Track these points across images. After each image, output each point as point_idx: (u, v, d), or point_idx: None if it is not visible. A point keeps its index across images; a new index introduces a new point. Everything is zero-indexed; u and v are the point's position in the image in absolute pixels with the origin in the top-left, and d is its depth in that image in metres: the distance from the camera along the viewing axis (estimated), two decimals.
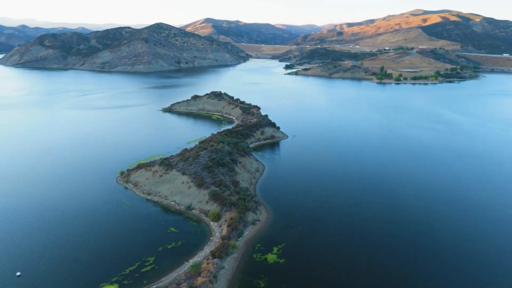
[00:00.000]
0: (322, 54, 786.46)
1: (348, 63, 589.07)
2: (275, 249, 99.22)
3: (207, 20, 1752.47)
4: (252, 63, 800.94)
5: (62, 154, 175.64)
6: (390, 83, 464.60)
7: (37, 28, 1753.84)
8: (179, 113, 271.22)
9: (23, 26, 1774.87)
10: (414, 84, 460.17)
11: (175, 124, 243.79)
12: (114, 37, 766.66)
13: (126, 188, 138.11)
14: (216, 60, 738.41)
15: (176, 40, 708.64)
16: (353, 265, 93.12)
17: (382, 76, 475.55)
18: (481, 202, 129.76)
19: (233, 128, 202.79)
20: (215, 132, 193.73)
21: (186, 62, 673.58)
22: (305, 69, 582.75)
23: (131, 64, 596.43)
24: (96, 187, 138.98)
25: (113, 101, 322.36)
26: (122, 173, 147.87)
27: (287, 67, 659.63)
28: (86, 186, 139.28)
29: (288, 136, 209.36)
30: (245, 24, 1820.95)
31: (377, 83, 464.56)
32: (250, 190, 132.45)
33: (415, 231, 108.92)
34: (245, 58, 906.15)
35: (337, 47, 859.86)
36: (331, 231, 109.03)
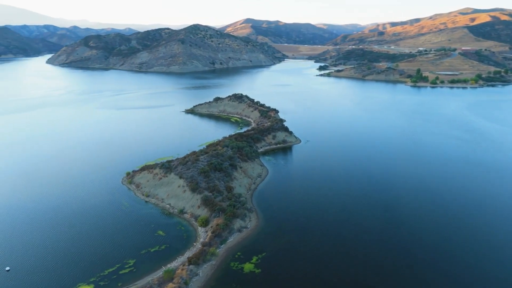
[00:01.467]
0: (359, 55, 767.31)
1: (382, 65, 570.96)
2: (254, 259, 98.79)
3: (247, 21, 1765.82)
4: (286, 64, 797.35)
5: (78, 153, 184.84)
6: (425, 86, 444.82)
7: (87, 29, 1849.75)
8: (201, 115, 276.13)
9: (75, 27, 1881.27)
10: (451, 88, 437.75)
11: (193, 125, 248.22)
12: (154, 38, 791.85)
13: (129, 189, 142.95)
14: (251, 61, 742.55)
15: (212, 41, 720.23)
16: (331, 281, 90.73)
17: (417, 79, 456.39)
18: (498, 224, 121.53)
19: (245, 131, 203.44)
20: (227, 135, 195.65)
21: (221, 63, 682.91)
22: (338, 71, 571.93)
23: (167, 64, 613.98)
24: (101, 187, 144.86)
25: (141, 101, 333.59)
26: (128, 174, 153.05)
27: (320, 68, 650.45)
28: (92, 186, 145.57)
29: (301, 141, 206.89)
30: (285, 24, 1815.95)
31: (411, 86, 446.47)
32: (245, 196, 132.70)
33: (409, 251, 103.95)
34: (281, 58, 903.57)
35: (375, 47, 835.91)
36: (318, 243, 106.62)
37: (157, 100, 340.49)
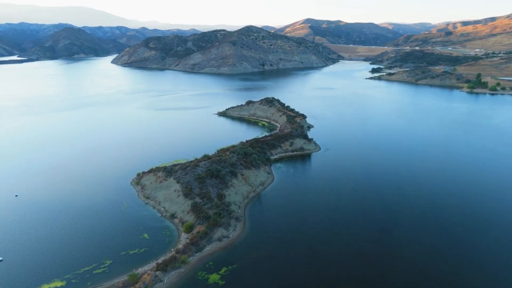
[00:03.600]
0: (417, 57, 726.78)
1: (439, 68, 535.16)
2: (223, 269, 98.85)
3: (307, 21, 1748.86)
4: (339, 66, 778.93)
5: (102, 152, 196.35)
6: (484, 93, 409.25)
7: (155, 30, 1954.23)
8: (232, 118, 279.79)
9: (143, 28, 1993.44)
10: None
11: (220, 128, 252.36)
12: (209, 40, 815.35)
13: (135, 190, 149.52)
14: (302, 62, 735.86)
15: (264, 42, 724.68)
16: None
17: (474, 85, 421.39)
18: None
19: (262, 137, 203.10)
20: (244, 140, 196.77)
21: (271, 65, 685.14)
22: (390, 74, 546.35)
23: (217, 66, 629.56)
24: (111, 186, 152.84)
25: (181, 102, 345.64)
26: (138, 175, 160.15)
27: (373, 70, 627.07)
28: (103, 184, 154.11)
29: (320, 149, 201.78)
30: (346, 24, 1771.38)
31: (467, 92, 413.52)
32: (238, 204, 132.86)
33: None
34: (335, 60, 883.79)
35: (437, 49, 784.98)
36: (294, 260, 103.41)
37: (196, 101, 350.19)
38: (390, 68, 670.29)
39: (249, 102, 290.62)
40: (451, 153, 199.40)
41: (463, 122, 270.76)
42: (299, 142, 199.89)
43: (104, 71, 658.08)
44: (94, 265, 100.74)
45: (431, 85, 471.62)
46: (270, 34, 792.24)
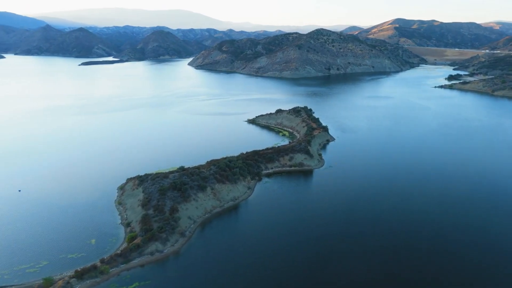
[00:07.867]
0: (509, 63, 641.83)
1: None
2: (134, 284, 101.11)
3: (396, 21, 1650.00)
4: (416, 71, 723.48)
5: (114, 154, 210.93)
6: None
7: (241, 32, 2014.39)
8: (259, 126, 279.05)
9: (230, 30, 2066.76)
10: None
11: (238, 136, 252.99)
12: (280, 43, 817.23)
13: (116, 195, 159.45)
14: (373, 67, 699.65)
15: (333, 46, 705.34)
16: None
17: None
18: None
19: (262, 150, 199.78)
20: (245, 152, 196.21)
21: (338, 69, 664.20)
22: (464, 83, 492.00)
23: (280, 70, 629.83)
24: (100, 188, 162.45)
25: (222, 107, 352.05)
26: (127, 180, 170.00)
27: (450, 77, 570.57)
28: (94, 186, 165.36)
29: (323, 165, 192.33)
30: (440, 24, 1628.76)
31: None
32: (194, 219, 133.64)
33: None
34: (414, 64, 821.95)
35: None
36: (214, 284, 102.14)
37: (238, 107, 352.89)
38: (472, 75, 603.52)
39: (278, 111, 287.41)
40: (480, 186, 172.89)
41: None
42: (299, 157, 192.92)
43: (175, 73, 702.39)
44: (31, 264, 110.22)
45: (510, 97, 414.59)
46: (341, 37, 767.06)
